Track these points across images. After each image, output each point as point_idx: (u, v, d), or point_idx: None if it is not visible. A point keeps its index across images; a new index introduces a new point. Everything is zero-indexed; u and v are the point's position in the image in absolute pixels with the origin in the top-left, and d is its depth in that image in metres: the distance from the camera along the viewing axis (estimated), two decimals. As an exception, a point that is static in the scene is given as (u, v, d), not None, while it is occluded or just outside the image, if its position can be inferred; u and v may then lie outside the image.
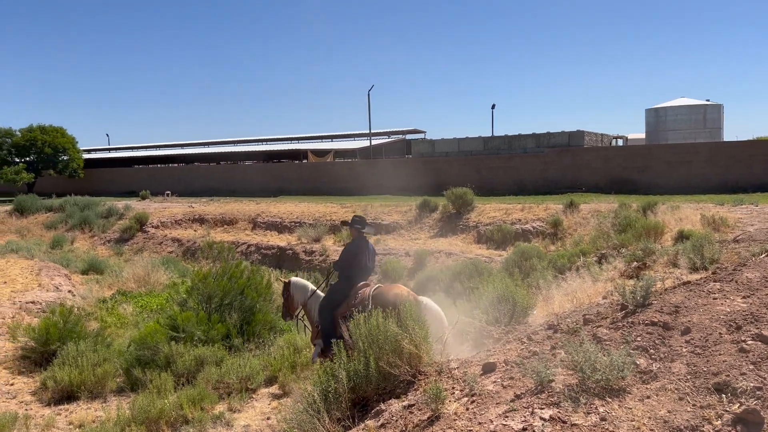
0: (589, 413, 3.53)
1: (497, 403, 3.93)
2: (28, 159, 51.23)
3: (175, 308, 13.44)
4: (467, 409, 4.00)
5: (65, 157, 52.09)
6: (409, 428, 3.97)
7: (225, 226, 29.15)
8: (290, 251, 23.99)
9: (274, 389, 10.93)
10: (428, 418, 4.03)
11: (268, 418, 9.21)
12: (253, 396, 10.66)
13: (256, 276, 14.84)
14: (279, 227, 27.77)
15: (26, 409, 10.35)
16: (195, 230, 29.08)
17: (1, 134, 51.24)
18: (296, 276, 9.23)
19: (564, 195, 26.95)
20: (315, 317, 8.50)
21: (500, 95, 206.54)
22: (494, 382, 4.35)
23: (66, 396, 10.92)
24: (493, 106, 53.57)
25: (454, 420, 3.85)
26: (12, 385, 11.44)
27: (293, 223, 27.47)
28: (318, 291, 8.71)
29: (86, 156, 57.06)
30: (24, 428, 9.18)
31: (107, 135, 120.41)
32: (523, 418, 3.56)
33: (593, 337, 4.51)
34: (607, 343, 4.44)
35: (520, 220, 21.74)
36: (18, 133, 51.46)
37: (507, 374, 4.42)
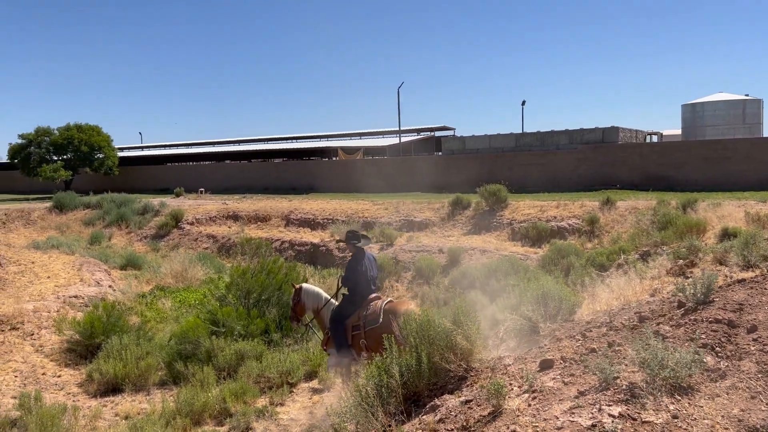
0: (659, 410, 3.47)
1: (560, 400, 3.89)
2: (65, 157, 52.33)
3: (214, 303, 13.63)
4: (529, 405, 3.97)
5: (101, 155, 53.08)
6: (471, 423, 3.96)
7: (258, 223, 29.41)
8: (323, 248, 24.09)
9: (314, 384, 11.01)
10: (489, 413, 4.00)
11: (311, 413, 9.29)
12: (294, 390, 10.75)
13: (292, 272, 14.97)
14: (312, 224, 27.91)
15: (74, 401, 10.61)
16: (229, 227, 29.40)
17: (39, 133, 52.43)
18: (307, 282, 9.49)
19: (599, 192, 26.59)
20: (327, 324, 8.84)
21: (530, 92, 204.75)
22: (554, 378, 4.31)
23: (111, 388, 11.17)
24: (523, 103, 53.19)
25: (517, 416, 3.82)
26: (59, 377, 11.72)
27: (326, 220, 27.60)
28: (332, 300, 9.00)
29: (120, 154, 58.08)
30: (73, 419, 9.38)
31: (140, 134, 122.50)
32: (591, 415, 3.51)
33: (655, 335, 4.44)
34: (671, 340, 4.37)
35: (555, 217, 21.51)
36: (56, 131, 52.62)
37: (567, 371, 4.38)
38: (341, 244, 24.10)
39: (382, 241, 22.95)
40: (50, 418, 8.67)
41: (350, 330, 8.36)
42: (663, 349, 3.83)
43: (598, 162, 32.55)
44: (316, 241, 24.92)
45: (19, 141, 52.76)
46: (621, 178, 30.88)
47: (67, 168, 50.97)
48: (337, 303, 8.93)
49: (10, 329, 13.07)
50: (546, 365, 4.62)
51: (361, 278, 8.50)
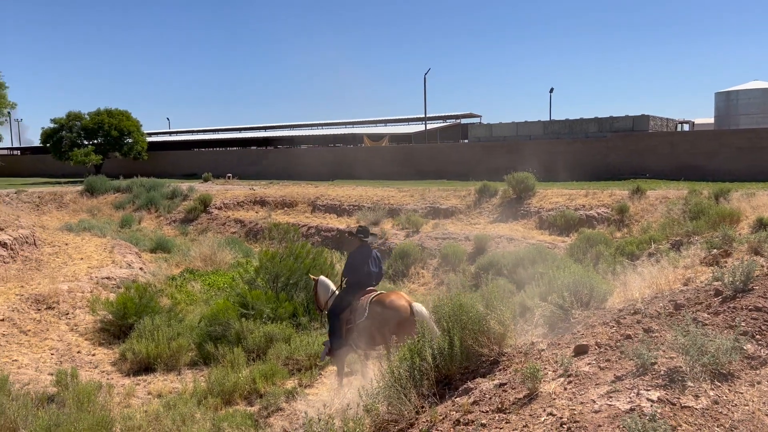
0: (698, 396, 3.45)
1: (597, 384, 3.89)
2: (95, 141, 53.15)
3: (243, 286, 13.81)
4: (565, 389, 3.97)
5: (130, 140, 53.80)
6: (506, 406, 3.98)
7: (285, 209, 29.64)
8: (349, 234, 24.21)
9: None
10: (525, 396, 4.02)
11: (340, 394, 9.39)
12: (321, 373, 10.88)
13: (320, 257, 15.08)
14: (338, 210, 28.04)
15: (108, 379, 10.88)
16: (256, 212, 29.67)
17: (71, 118, 53.32)
18: (324, 276, 9.64)
19: (628, 181, 26.23)
20: (328, 310, 9.27)
21: (559, 79, 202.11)
22: (589, 363, 4.31)
23: (143, 367, 11.42)
24: (552, 90, 52.52)
25: (554, 399, 3.83)
26: (94, 355, 12.02)
27: (352, 207, 27.69)
28: (337, 292, 9.27)
29: (149, 139, 58.80)
30: (108, 396, 9.64)
31: (168, 119, 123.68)
32: (629, 399, 3.51)
33: (694, 322, 4.40)
34: (709, 327, 4.33)
35: (583, 206, 21.29)
36: (87, 116, 53.45)
37: (602, 356, 4.37)
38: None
39: (407, 227, 22.98)
40: (86, 394, 8.91)
41: (344, 323, 8.62)
42: (702, 336, 3.81)
43: (628, 150, 32.06)
44: (342, 227, 25.03)
45: (52, 125, 53.73)
46: (651, 167, 30.40)
47: (98, 152, 51.78)
48: (339, 292, 9.22)
49: (46, 308, 13.41)
50: (581, 350, 4.62)
51: (360, 272, 8.75)
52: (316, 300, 9.83)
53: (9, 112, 62.50)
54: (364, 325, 8.27)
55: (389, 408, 5.24)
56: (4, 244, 16.20)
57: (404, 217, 23.91)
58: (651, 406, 3.37)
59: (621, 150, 32.34)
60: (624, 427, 3.12)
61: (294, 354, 11.08)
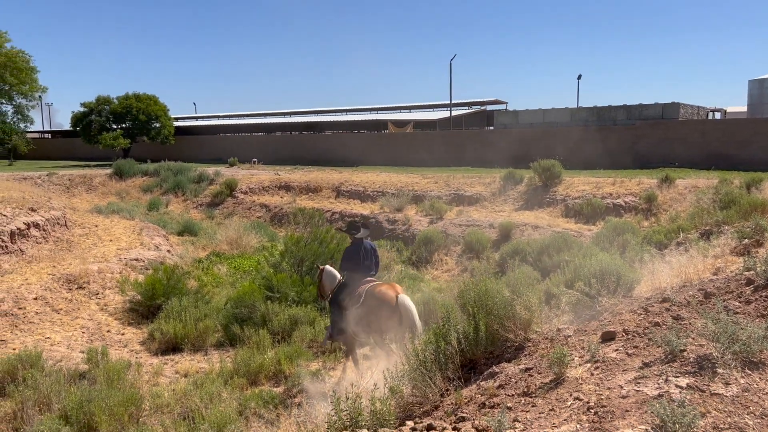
0: (729, 384, 3.42)
1: (624, 370, 3.87)
2: (124, 125, 53.84)
3: (269, 270, 13.96)
4: (592, 374, 3.97)
5: (157, 125, 54.38)
6: (532, 390, 3.99)
7: (309, 194, 29.78)
8: (373, 219, 24.24)
9: (366, 350, 11.19)
10: (551, 381, 4.03)
11: (362, 378, 9.47)
12: (345, 356, 10.98)
13: (344, 242, 15.14)
14: (361, 196, 28.09)
15: (137, 358, 11.11)
16: (281, 197, 29.87)
17: (100, 102, 54.05)
18: (330, 265, 10.23)
19: (656, 170, 25.82)
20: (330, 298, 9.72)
21: (587, 66, 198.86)
22: (616, 350, 4.29)
23: (171, 347, 11.64)
24: (579, 77, 51.81)
25: (580, 384, 3.83)
26: (123, 335, 12.27)
27: (375, 192, 27.72)
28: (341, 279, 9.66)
29: (175, 124, 59.36)
30: (137, 374, 9.86)
31: (194, 104, 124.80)
32: (657, 385, 3.50)
33: (724, 310, 4.35)
34: (741, 316, 4.28)
35: (611, 194, 21.03)
36: (115, 100, 54.13)
37: (630, 343, 4.35)
38: (390, 215, 24.26)
39: (431, 214, 22.95)
40: (116, 372, 9.14)
41: (344, 310, 9.07)
42: (733, 324, 3.76)
43: (657, 139, 31.51)
44: (366, 212, 25.11)
45: (81, 109, 54.56)
46: (680, 156, 29.85)
47: (126, 136, 52.48)
48: (340, 283, 9.67)
49: (77, 288, 13.72)
50: (608, 337, 4.60)
51: (354, 264, 9.25)
52: (320, 288, 10.18)
53: (40, 96, 63.67)
54: (358, 313, 8.73)
55: (414, 390, 5.28)
56: (36, 225, 16.57)
57: (428, 204, 23.87)
58: (680, 392, 3.35)
59: (650, 138, 31.80)
60: (652, 412, 3.11)
61: (318, 337, 11.22)
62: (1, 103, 58.04)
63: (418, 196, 25.83)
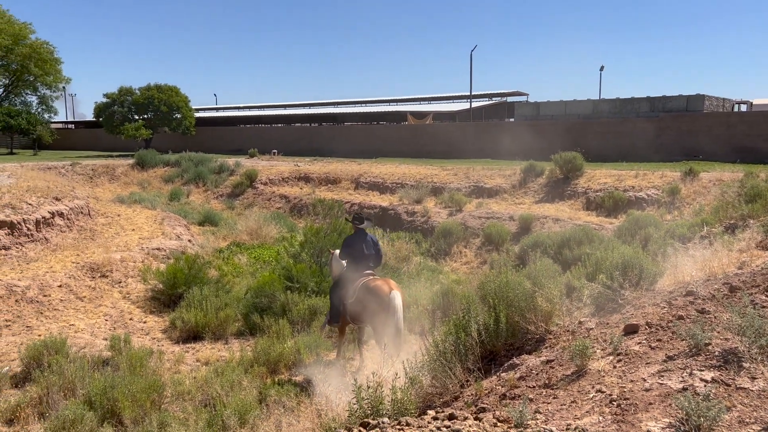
0: (755, 378, 3.37)
1: (647, 363, 3.84)
2: (146, 116, 54.34)
3: (289, 260, 14.03)
4: (614, 367, 3.94)
5: (179, 115, 54.78)
6: (553, 381, 3.97)
7: (329, 185, 29.85)
8: (392, 211, 24.26)
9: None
10: (573, 373, 4.00)
11: (380, 369, 9.51)
12: (364, 346, 11.02)
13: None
14: (380, 188, 28.08)
15: (159, 345, 11.25)
16: (301, 188, 29.98)
17: (122, 93, 54.58)
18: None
19: (680, 162, 25.47)
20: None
21: (610, 57, 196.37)
22: (639, 343, 4.25)
23: (192, 336, 11.76)
24: (602, 68, 51.17)
25: (603, 376, 3.80)
26: (145, 322, 12.43)
27: (394, 184, 27.69)
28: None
29: (196, 115, 59.76)
30: (159, 362, 9.99)
31: (215, 95, 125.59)
32: (681, 379, 3.46)
33: (750, 304, 4.29)
34: (767, 310, 4.21)
35: (633, 187, 20.78)
36: (137, 91, 54.62)
37: (653, 336, 4.30)
38: (409, 207, 24.23)
39: (450, 206, 22.88)
40: (138, 359, 9.27)
41: (342, 299, 9.44)
42: (760, 317, 3.70)
43: (681, 131, 31.05)
44: (384, 204, 25.10)
45: (104, 100, 55.16)
46: (704, 149, 29.39)
47: (148, 127, 52.97)
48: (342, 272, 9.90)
49: (100, 276, 13.92)
50: (631, 330, 4.56)
51: (356, 254, 9.46)
52: (330, 269, 10.67)
53: (64, 87, 64.58)
54: (352, 304, 9.19)
55: (433, 381, 5.28)
56: (61, 214, 16.83)
57: (447, 196, 23.79)
58: (705, 386, 3.31)
59: (673, 131, 31.36)
60: (677, 405, 3.08)
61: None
62: (26, 93, 59.09)
63: (438, 188, 25.76)
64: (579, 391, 3.72)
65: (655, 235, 14.60)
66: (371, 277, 9.29)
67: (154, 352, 10.32)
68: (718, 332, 3.99)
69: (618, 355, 4.10)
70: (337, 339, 10.33)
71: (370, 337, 10.32)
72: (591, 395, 3.60)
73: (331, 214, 21.96)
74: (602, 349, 4.37)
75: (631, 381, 3.62)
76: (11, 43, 53.16)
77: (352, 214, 10.23)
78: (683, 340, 3.96)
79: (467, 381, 4.98)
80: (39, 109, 58.58)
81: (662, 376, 3.56)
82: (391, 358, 8.02)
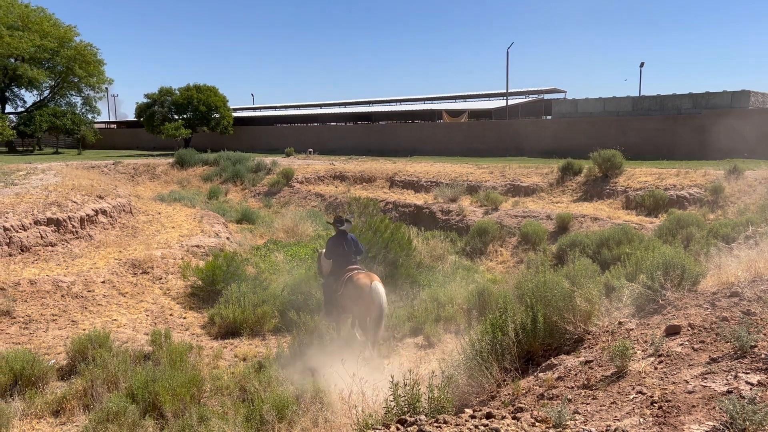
0: (804, 382, 3.28)
1: (690, 365, 3.76)
2: (185, 116, 55.39)
3: (324, 258, 14.11)
4: (655, 368, 3.87)
5: (217, 115, 55.66)
6: (592, 382, 3.92)
7: (364, 184, 29.95)
8: (427, 210, 24.21)
9: (419, 340, 11.26)
10: (612, 374, 3.95)
11: (417, 367, 9.51)
12: (399, 345, 11.06)
13: (398, 232, 15.18)
14: (415, 186, 28.06)
15: (198, 341, 11.46)
16: (336, 186, 30.16)
17: (162, 93, 55.72)
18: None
19: (724, 160, 24.77)
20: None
21: (650, 53, 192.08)
22: (681, 344, 4.16)
23: (230, 332, 11.95)
24: (642, 65, 50.11)
25: (643, 378, 3.74)
26: (185, 318, 12.68)
27: (429, 183, 27.63)
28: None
29: (234, 114, 60.62)
30: (198, 357, 10.19)
31: (252, 95, 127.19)
32: (725, 381, 3.38)
33: (799, 306, 4.16)
34: (817, 312, 4.09)
35: (674, 185, 20.31)
36: (177, 92, 55.71)
37: (696, 338, 4.21)
38: (444, 206, 24.15)
39: (486, 205, 22.72)
40: (179, 354, 9.47)
41: (334, 292, 10.26)
42: (810, 320, 3.59)
43: (724, 128, 30.20)
44: (419, 203, 25.07)
45: (145, 100, 56.42)
46: (750, 147, 28.54)
47: (187, 126, 53.97)
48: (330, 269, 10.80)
49: (141, 273, 14.25)
50: (672, 331, 4.47)
51: (340, 254, 10.35)
52: (319, 267, 11.36)
53: (106, 88, 66.29)
54: (341, 297, 10.09)
55: (469, 380, 5.27)
56: (104, 212, 17.28)
57: (483, 194, 23.63)
58: (750, 389, 3.22)
59: (717, 128, 30.52)
60: (721, 408, 3.01)
61: (372, 325, 11.30)
62: (71, 95, 60.78)
63: (473, 187, 25.61)
64: (619, 392, 3.66)
65: (698, 234, 14.28)
66: (355, 272, 10.15)
67: (193, 347, 10.54)
68: (765, 334, 3.89)
69: (659, 356, 4.03)
70: (339, 328, 10.81)
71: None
72: (631, 396, 3.54)
73: (366, 213, 22.00)
74: (643, 350, 4.30)
75: (673, 383, 3.55)
76: (57, 45, 54.74)
77: (333, 218, 11.11)
78: (728, 342, 3.87)
79: (504, 380, 4.95)
80: (83, 110, 60.16)
81: (706, 378, 3.48)
82: (371, 343, 9.57)
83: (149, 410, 7.63)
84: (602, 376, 3.97)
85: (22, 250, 14.17)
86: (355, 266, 10.33)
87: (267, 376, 8.48)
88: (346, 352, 10.01)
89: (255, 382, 8.22)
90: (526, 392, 4.34)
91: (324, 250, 11.03)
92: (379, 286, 9.55)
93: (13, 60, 53.09)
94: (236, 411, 7.50)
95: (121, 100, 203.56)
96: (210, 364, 10.17)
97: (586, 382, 3.97)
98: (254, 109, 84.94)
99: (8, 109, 58.14)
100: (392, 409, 3.76)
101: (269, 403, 6.75)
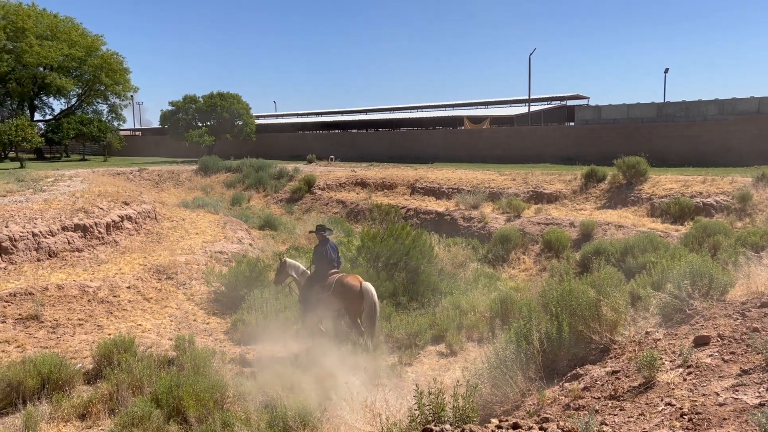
0: (840, 396, 3.20)
1: (720, 377, 3.69)
2: (209, 123, 56.02)
3: (346, 265, 14.14)
4: (684, 379, 3.80)
5: (240, 122, 56.22)
6: (620, 393, 3.86)
7: (385, 190, 29.97)
8: (448, 217, 24.13)
9: (441, 348, 11.21)
10: (640, 384, 3.89)
11: (439, 376, 9.47)
12: (421, 352, 11.01)
13: (419, 239, 15.14)
14: (437, 193, 28.00)
15: (221, 346, 11.53)
16: (357, 193, 30.22)
17: (187, 101, 56.43)
18: (290, 257, 12.86)
19: (752, 167, 24.32)
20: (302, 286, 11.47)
21: (674, 58, 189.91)
22: (711, 355, 4.09)
23: (253, 337, 11.99)
24: (666, 71, 49.58)
25: (672, 389, 3.68)
26: (208, 324, 12.78)
27: (451, 189, 27.55)
28: (307, 271, 11.52)
29: (257, 121, 61.14)
30: (221, 362, 10.25)
31: (274, 102, 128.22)
32: (757, 394, 3.31)
33: (834, 317, 4.07)
34: None
35: (700, 193, 19.99)
36: (201, 99, 56.39)
37: (726, 349, 4.13)
38: (466, 213, 24.04)
39: (508, 212, 22.58)
40: (202, 360, 9.51)
41: (316, 295, 10.88)
42: None
43: (752, 135, 29.70)
44: (441, 210, 24.99)
45: (170, 108, 57.18)
46: (778, 153, 28.03)
47: (211, 134, 54.56)
48: (310, 273, 11.45)
49: (166, 278, 14.41)
50: (701, 342, 4.39)
51: (324, 259, 11.09)
52: (279, 274, 11.79)
53: (132, 96, 67.36)
54: (330, 298, 10.70)
55: (493, 389, 5.23)
56: (129, 218, 17.52)
57: (505, 201, 23.49)
58: (784, 402, 3.15)
59: (744, 134, 30.03)
60: (753, 422, 2.95)
61: (394, 332, 11.28)
62: (97, 102, 61.92)
63: (495, 194, 25.47)
64: (647, 404, 3.61)
65: (725, 243, 14.01)
66: (341, 274, 10.99)
67: (216, 352, 10.60)
68: (798, 346, 3.81)
69: (688, 367, 3.96)
70: (310, 329, 11.40)
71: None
72: (660, 408, 3.49)
73: (388, 220, 22.01)
74: (671, 361, 4.23)
75: (703, 395, 3.49)
76: (84, 54, 55.83)
77: (317, 226, 12.05)
78: (759, 353, 3.80)
79: (528, 390, 4.91)
80: (109, 117, 61.25)
81: (737, 390, 3.42)
82: (368, 335, 10.42)
83: (173, 415, 7.68)
84: (630, 386, 3.91)
85: (50, 256, 14.43)
86: (336, 270, 11.15)
87: (289, 381, 8.49)
88: (363, 357, 10.04)
89: (277, 388, 8.24)
90: (552, 402, 4.29)
91: (288, 259, 11.92)
92: (369, 286, 10.49)
93: (42, 69, 54.19)
94: (259, 416, 7.53)
95: (146, 107, 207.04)
96: (233, 370, 10.22)
97: (613, 393, 3.91)
98: (277, 116, 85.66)
99: (37, 116, 59.34)
100: (416, 417, 3.75)
101: (291, 409, 6.77)
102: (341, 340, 10.87)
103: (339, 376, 9.62)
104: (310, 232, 14.35)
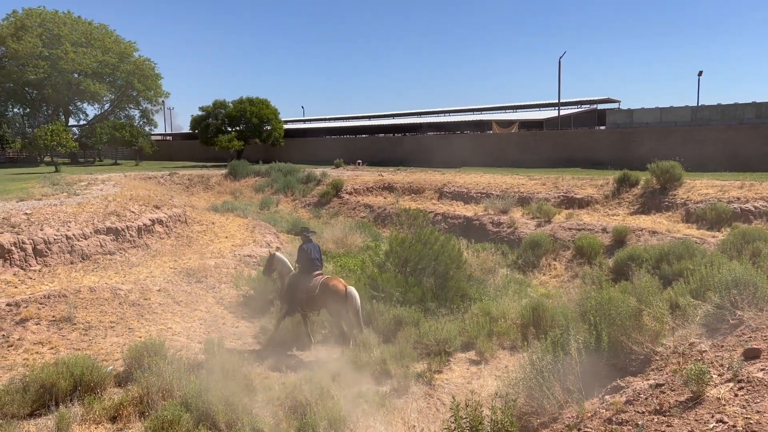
0: None
1: (775, 393, 3.48)
2: (238, 128, 56.60)
3: (374, 269, 14.06)
4: (735, 395, 3.61)
5: (269, 127, 56.68)
6: (666, 408, 3.68)
7: (412, 195, 29.84)
8: (477, 222, 23.90)
9: (472, 355, 11.03)
10: (688, 399, 3.70)
11: (469, 384, 9.29)
12: (450, 359, 10.84)
13: (448, 243, 14.97)
14: (465, 198, 27.77)
15: (250, 350, 11.52)
16: (384, 198, 30.14)
17: (216, 106, 57.14)
18: (281, 252, 12.88)
19: (791, 172, 23.63)
20: (284, 285, 11.88)
21: (709, 61, 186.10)
22: (763, 369, 3.88)
23: (281, 342, 11.96)
24: (700, 73, 48.59)
25: (723, 405, 3.49)
26: (237, 327, 12.79)
27: (479, 194, 27.30)
28: (293, 270, 11.92)
29: (285, 126, 61.56)
30: (250, 367, 10.21)
31: (302, 107, 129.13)
32: (818, 413, 3.11)
33: None
34: None
35: (738, 198, 19.44)
36: (230, 104, 57.02)
37: (779, 362, 3.92)
38: (495, 217, 23.76)
39: (539, 217, 22.27)
40: (231, 364, 9.50)
41: (297, 294, 11.42)
42: None
43: (792, 138, 28.86)
44: (469, 214, 24.77)
45: (200, 113, 57.95)
46: (819, 158, 27.19)
47: (240, 138, 55.10)
48: (294, 271, 11.92)
49: (195, 282, 14.48)
50: (752, 354, 4.18)
51: (307, 260, 11.56)
52: (268, 266, 12.14)
53: (163, 101, 68.47)
54: (314, 297, 11.23)
55: (528, 400, 5.07)
56: (160, 222, 17.69)
57: (535, 206, 23.18)
58: None
59: (783, 138, 29.20)
60: (816, 443, 2.76)
61: (423, 338, 11.12)
62: (130, 107, 63.08)
63: (524, 198, 25.16)
64: (696, 420, 3.43)
65: (765, 250, 13.56)
66: (326, 276, 11.61)
67: (245, 356, 10.59)
68: None
69: (739, 381, 3.76)
70: (302, 326, 11.94)
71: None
72: (711, 425, 3.30)
73: (416, 224, 21.86)
74: (719, 375, 4.03)
75: (758, 412, 3.29)
76: (117, 61, 56.94)
77: (301, 229, 12.82)
78: (817, 368, 3.58)
79: (566, 401, 4.74)
80: (141, 122, 62.32)
81: (795, 408, 3.22)
82: (357, 327, 10.90)
83: (202, 419, 7.66)
84: (676, 401, 3.73)
85: (82, 258, 14.61)
86: (319, 271, 11.67)
87: (318, 387, 8.42)
88: (392, 365, 9.91)
89: (306, 394, 8.17)
90: (592, 415, 4.13)
91: (278, 253, 12.37)
92: (353, 291, 11.08)
93: (76, 75, 55.36)
94: (288, 423, 7.46)
95: (177, 112, 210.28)
96: (261, 375, 10.19)
97: (658, 407, 3.73)
98: (304, 121, 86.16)
99: (71, 122, 60.65)
100: (452, 430, 3.62)
101: (321, 417, 6.68)
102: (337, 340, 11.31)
103: (367, 383, 9.53)
104: (296, 234, 15.25)
